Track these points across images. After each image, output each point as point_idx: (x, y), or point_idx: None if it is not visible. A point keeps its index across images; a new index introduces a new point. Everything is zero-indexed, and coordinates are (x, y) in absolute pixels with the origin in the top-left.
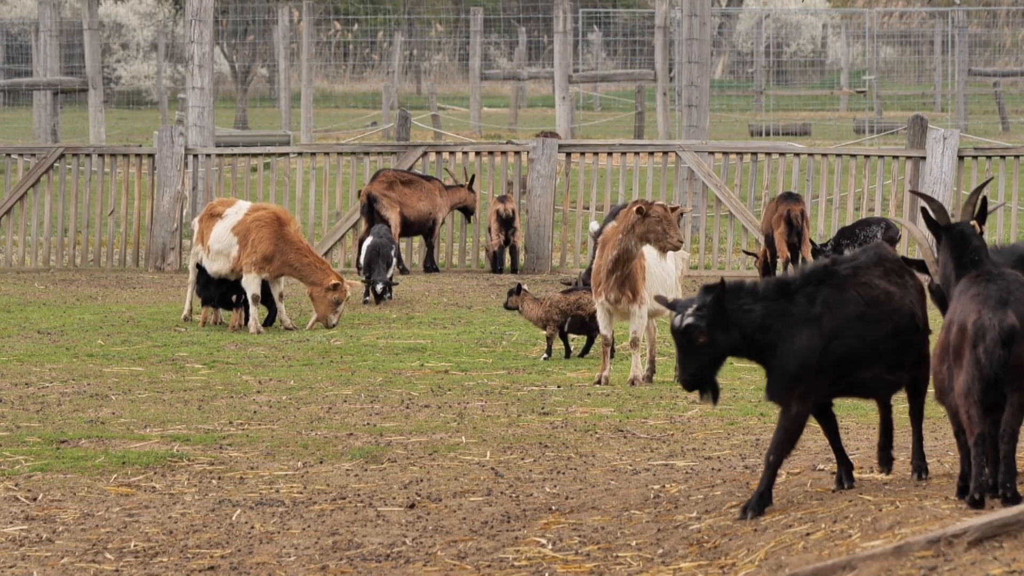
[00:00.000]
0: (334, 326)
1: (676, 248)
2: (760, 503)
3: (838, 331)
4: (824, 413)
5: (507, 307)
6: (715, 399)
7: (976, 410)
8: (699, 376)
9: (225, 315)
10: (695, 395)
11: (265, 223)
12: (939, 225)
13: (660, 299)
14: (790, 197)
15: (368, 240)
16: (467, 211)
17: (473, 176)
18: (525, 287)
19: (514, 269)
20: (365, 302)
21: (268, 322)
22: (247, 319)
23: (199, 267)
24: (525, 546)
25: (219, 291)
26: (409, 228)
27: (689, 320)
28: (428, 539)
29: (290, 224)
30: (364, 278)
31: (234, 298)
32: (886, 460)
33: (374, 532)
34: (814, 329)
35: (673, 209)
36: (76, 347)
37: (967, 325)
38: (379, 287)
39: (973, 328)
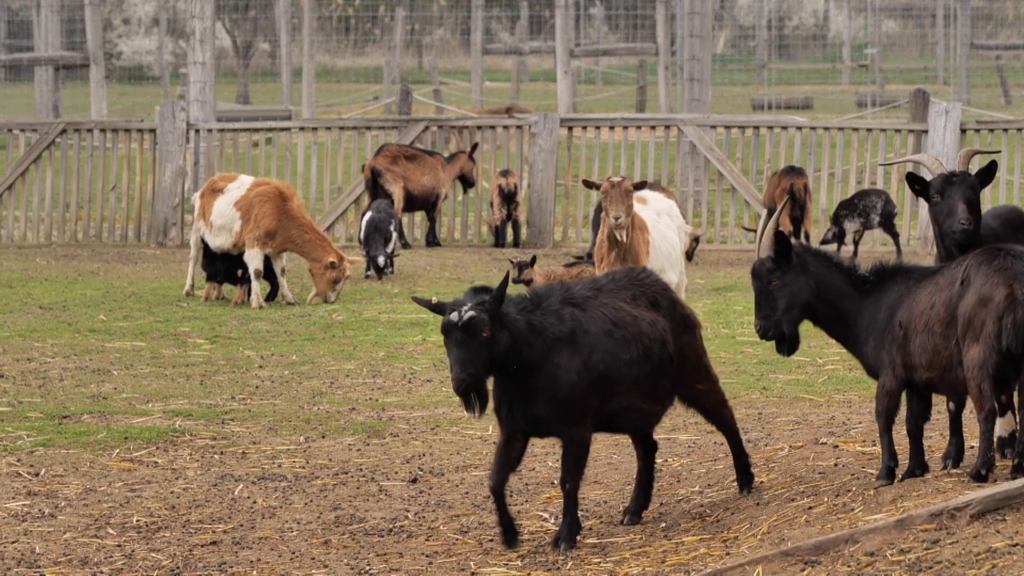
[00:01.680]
0: (333, 303)
1: (612, 224)
2: (571, 534)
3: (593, 345)
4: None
5: (519, 280)
6: (482, 409)
7: (988, 384)
8: (477, 378)
9: (227, 290)
10: (460, 403)
11: (268, 198)
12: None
13: (419, 300)
14: (793, 171)
15: (367, 215)
16: (465, 180)
17: (476, 144)
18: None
19: (516, 243)
20: (367, 277)
21: (270, 297)
22: (249, 294)
23: (203, 243)
24: (527, 520)
25: (224, 266)
26: (413, 203)
27: (472, 313)
28: (430, 513)
29: (293, 199)
30: (364, 253)
31: (238, 273)
32: (634, 512)
33: (376, 507)
34: (572, 347)
35: (618, 183)
36: (78, 322)
37: (994, 297)
38: (380, 260)
39: (1005, 301)
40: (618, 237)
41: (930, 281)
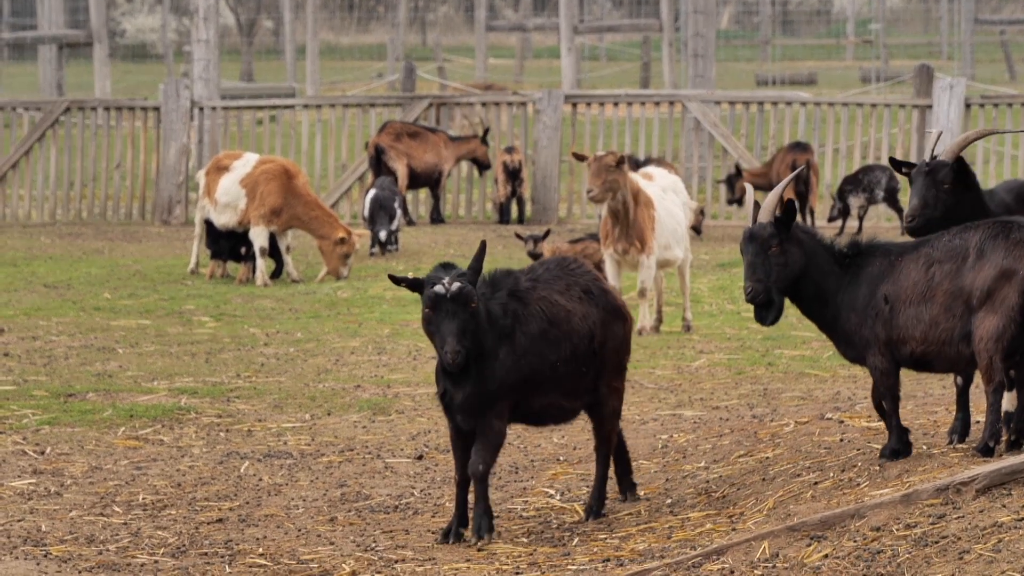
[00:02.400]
0: (346, 278)
1: (588, 196)
2: (487, 521)
3: (527, 349)
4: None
5: (532, 254)
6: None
7: (1000, 356)
8: (469, 351)
9: (232, 268)
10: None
11: (273, 176)
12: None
13: (395, 278)
14: (799, 146)
15: (371, 192)
16: (480, 164)
17: (487, 129)
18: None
19: (520, 220)
20: (372, 254)
21: (275, 275)
22: (254, 272)
23: (208, 221)
24: (533, 496)
25: (229, 244)
26: (416, 180)
27: (459, 283)
28: (436, 490)
29: (298, 177)
30: (369, 229)
31: (243, 251)
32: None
33: (382, 483)
34: (509, 345)
35: (601, 157)
36: (83, 301)
37: (1018, 270)
38: (382, 235)
39: None
40: (600, 211)
41: (918, 254)
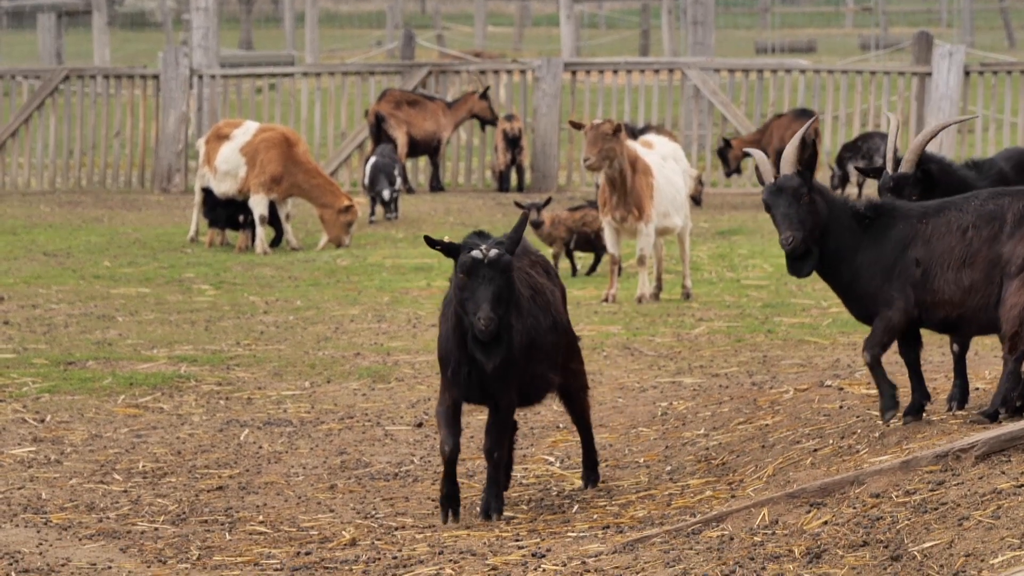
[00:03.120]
0: (347, 246)
1: (583, 164)
2: (498, 500)
3: (527, 310)
4: None
5: (534, 223)
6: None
7: None
8: (505, 320)
9: (232, 236)
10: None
11: (273, 144)
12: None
13: (431, 240)
14: (805, 113)
15: (372, 159)
16: (483, 119)
17: (487, 88)
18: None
19: (520, 188)
20: (371, 222)
21: (275, 243)
22: (254, 240)
23: (205, 190)
24: (533, 464)
25: (227, 212)
26: (415, 148)
27: (499, 250)
28: (436, 458)
29: (298, 145)
30: (369, 195)
31: (241, 219)
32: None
33: (382, 451)
34: (518, 311)
35: (597, 125)
36: (82, 269)
37: None
38: (385, 194)
39: None
40: (598, 178)
41: (946, 218)
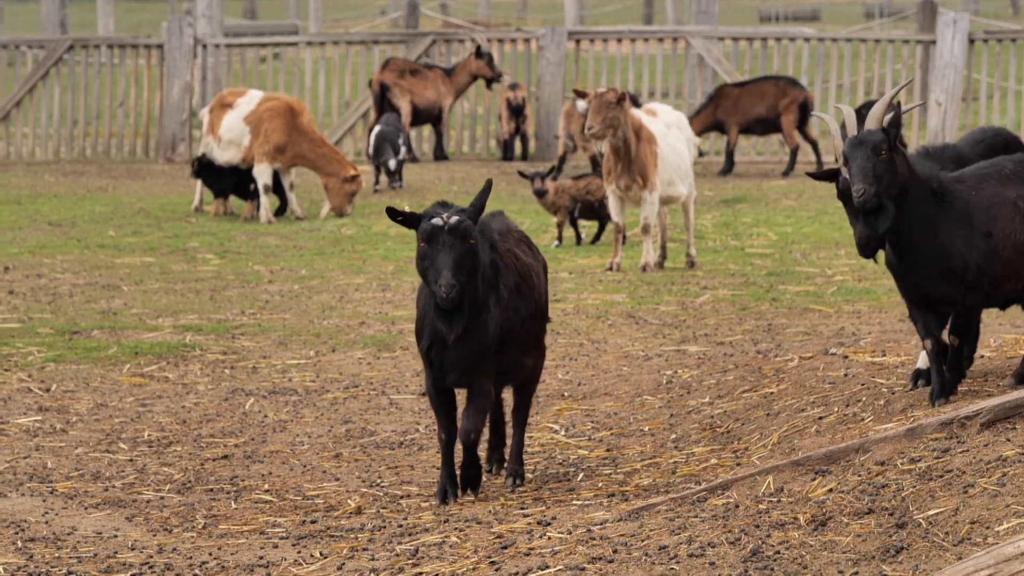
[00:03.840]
0: (349, 215)
1: (587, 133)
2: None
3: (507, 302)
4: None
5: (538, 191)
6: (462, 328)
7: None
8: (465, 284)
9: (236, 206)
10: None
11: (278, 113)
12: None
13: (393, 211)
14: (796, 84)
15: (377, 128)
16: (486, 78)
17: (479, 46)
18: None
19: (524, 157)
20: (376, 191)
21: (279, 212)
22: (258, 209)
23: (200, 160)
24: (539, 432)
25: (232, 181)
26: (418, 116)
27: (459, 217)
28: None
29: (303, 114)
30: (373, 163)
31: (252, 187)
32: (495, 460)
33: (387, 420)
34: (495, 298)
35: (601, 94)
36: (87, 238)
37: None
38: (392, 164)
39: None
40: (596, 148)
41: (993, 190)
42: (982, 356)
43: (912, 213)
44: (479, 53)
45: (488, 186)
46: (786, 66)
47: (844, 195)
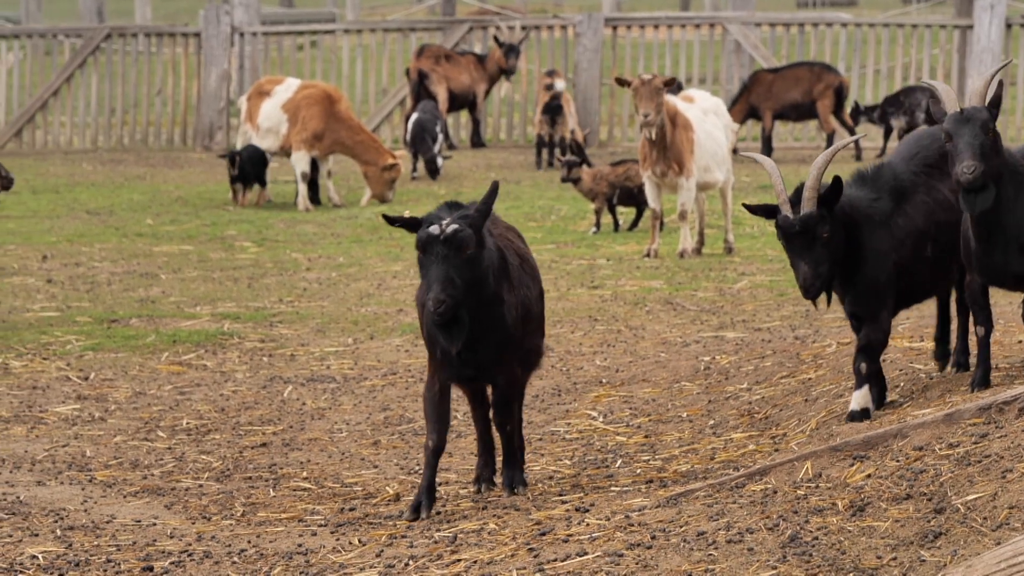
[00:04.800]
0: (390, 202)
1: (640, 121)
2: (521, 474)
3: (518, 280)
4: None
5: (567, 179)
6: (462, 340)
7: None
8: (459, 301)
9: (274, 194)
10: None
11: (316, 100)
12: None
13: (390, 218)
14: (831, 69)
15: (415, 116)
16: (502, 70)
17: (496, 37)
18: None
19: (562, 148)
20: (414, 178)
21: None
22: (297, 196)
23: (230, 156)
24: (576, 419)
25: (255, 171)
26: (454, 102)
27: (456, 226)
28: None
29: (341, 102)
30: (411, 151)
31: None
32: (484, 478)
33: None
34: (509, 282)
35: (648, 80)
36: (125, 227)
37: None
38: (440, 161)
39: None
40: (647, 135)
41: None
42: (1020, 341)
43: (999, 194)
44: (498, 43)
45: (494, 188)
46: (823, 52)
47: (784, 233)
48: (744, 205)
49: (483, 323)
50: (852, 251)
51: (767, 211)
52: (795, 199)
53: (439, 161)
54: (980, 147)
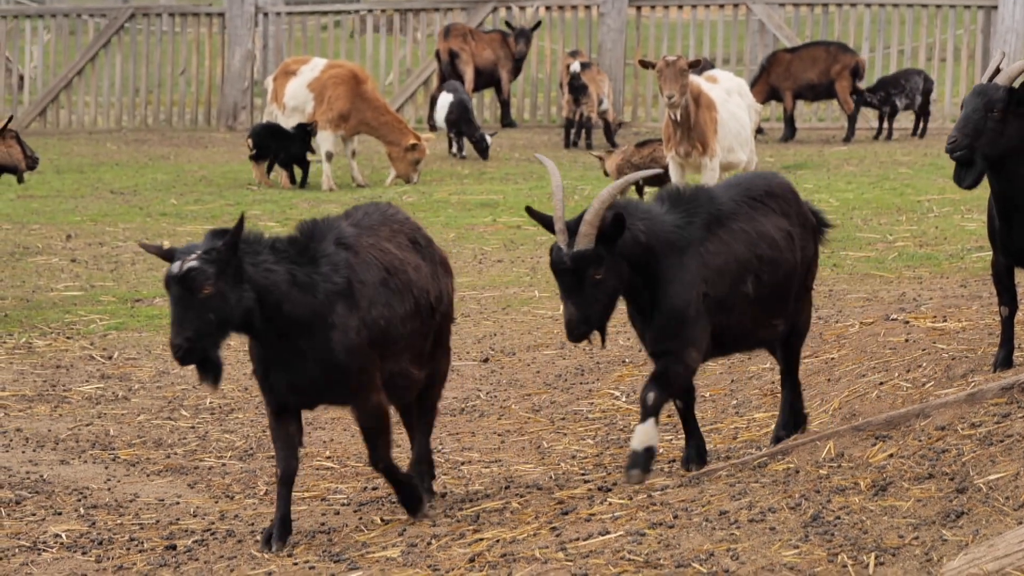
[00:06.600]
0: (415, 183)
1: (665, 103)
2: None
3: (372, 300)
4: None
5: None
6: (215, 380)
7: None
8: (198, 341)
9: (298, 173)
10: (192, 368)
11: (342, 80)
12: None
13: (146, 246)
14: (848, 49)
15: (449, 96)
16: (513, 55)
17: (507, 22)
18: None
19: (588, 145)
20: (452, 155)
21: (302, 184)
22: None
23: (251, 140)
24: (599, 399)
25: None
26: (480, 81)
27: (193, 263)
28: (502, 393)
29: (367, 82)
30: (450, 131)
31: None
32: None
33: (449, 386)
34: (350, 303)
35: (673, 62)
36: (149, 206)
37: None
38: (488, 140)
39: None
40: (672, 116)
41: None
42: None
43: (1019, 173)
44: (510, 27)
45: (240, 221)
46: (847, 32)
47: (553, 267)
48: (527, 208)
49: (300, 349)
50: (650, 284)
51: (547, 224)
52: (575, 226)
53: (488, 140)
54: (973, 122)
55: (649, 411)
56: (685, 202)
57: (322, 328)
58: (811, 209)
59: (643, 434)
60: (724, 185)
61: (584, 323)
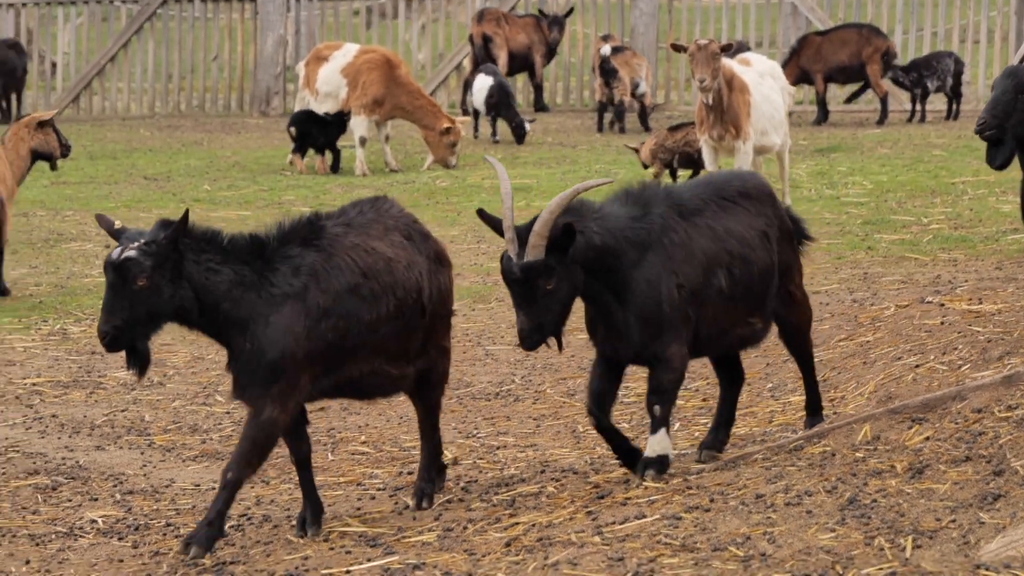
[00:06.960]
0: (454, 167)
1: (697, 86)
2: (209, 537)
3: (328, 309)
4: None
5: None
6: (142, 370)
7: None
8: (126, 331)
9: (331, 159)
10: (121, 355)
11: (376, 65)
12: None
13: (100, 219)
14: (879, 32)
15: (488, 80)
16: (546, 43)
17: (540, 9)
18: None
19: (622, 130)
20: (496, 141)
21: (334, 168)
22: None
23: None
24: (634, 383)
25: (324, 137)
26: (513, 65)
27: (131, 254)
28: (537, 377)
29: (401, 67)
30: (489, 114)
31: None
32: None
33: (483, 371)
34: (299, 307)
35: (705, 45)
36: (183, 192)
37: None
38: (527, 125)
39: None
40: (704, 100)
41: None
42: None
43: None
44: (542, 14)
45: (184, 216)
46: (880, 14)
47: (504, 277)
48: (478, 211)
49: (237, 343)
50: (615, 287)
51: (498, 228)
52: (525, 234)
53: (527, 125)
54: (1003, 103)
55: (659, 422)
56: (642, 198)
57: (261, 327)
58: (792, 216)
59: (657, 443)
60: (692, 183)
61: (537, 332)
